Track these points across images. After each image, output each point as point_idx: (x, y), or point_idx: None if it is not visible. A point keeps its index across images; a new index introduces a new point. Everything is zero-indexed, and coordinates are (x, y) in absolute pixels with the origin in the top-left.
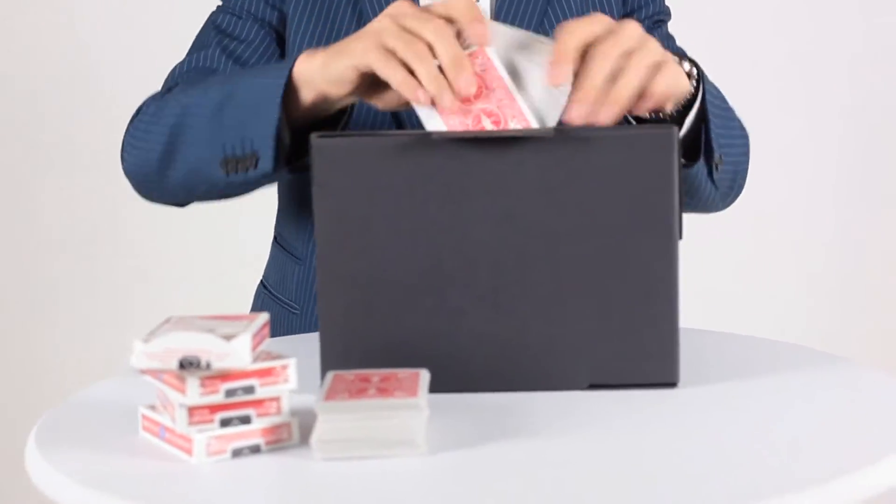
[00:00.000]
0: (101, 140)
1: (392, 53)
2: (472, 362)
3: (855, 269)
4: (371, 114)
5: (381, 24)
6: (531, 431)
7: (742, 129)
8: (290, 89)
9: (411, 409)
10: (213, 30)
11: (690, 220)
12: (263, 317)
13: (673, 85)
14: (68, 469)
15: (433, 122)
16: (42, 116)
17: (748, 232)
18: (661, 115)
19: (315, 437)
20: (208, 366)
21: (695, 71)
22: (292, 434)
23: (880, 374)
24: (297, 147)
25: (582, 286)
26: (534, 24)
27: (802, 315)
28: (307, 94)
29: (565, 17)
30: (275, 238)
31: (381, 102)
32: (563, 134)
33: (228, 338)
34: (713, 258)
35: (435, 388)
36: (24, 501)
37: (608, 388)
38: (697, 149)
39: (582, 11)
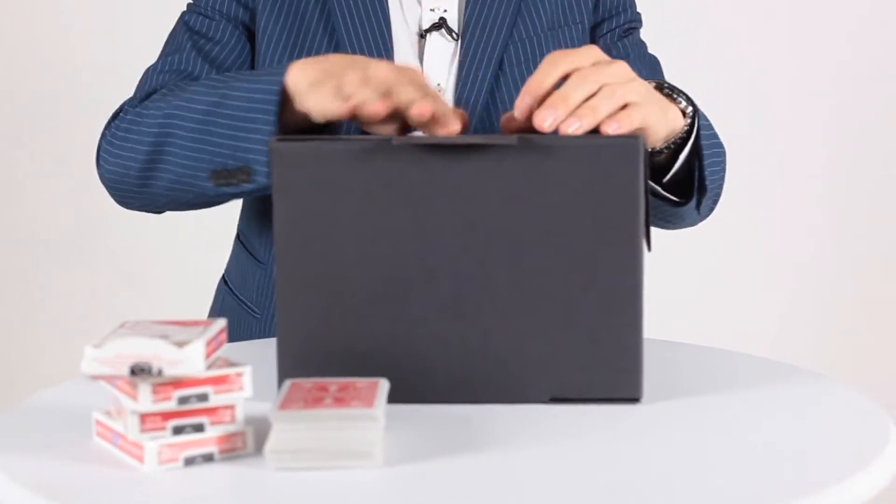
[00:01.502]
0: (72, 139)
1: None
2: (432, 372)
3: (833, 280)
4: None
5: (378, 68)
6: (490, 445)
7: (721, 146)
8: (283, 97)
9: (367, 420)
10: (186, 31)
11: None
12: (220, 323)
13: (653, 122)
14: (18, 474)
15: None
16: (21, 117)
17: (722, 240)
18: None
19: (269, 446)
20: (160, 372)
21: (690, 109)
22: (247, 443)
23: (844, 385)
24: None
25: (545, 297)
26: (506, 26)
27: (775, 327)
28: (299, 105)
29: (538, 18)
30: (237, 235)
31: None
32: (527, 142)
33: (181, 344)
34: (685, 267)
35: (394, 398)
36: None
37: (570, 402)
38: (690, 185)
39: (554, 13)
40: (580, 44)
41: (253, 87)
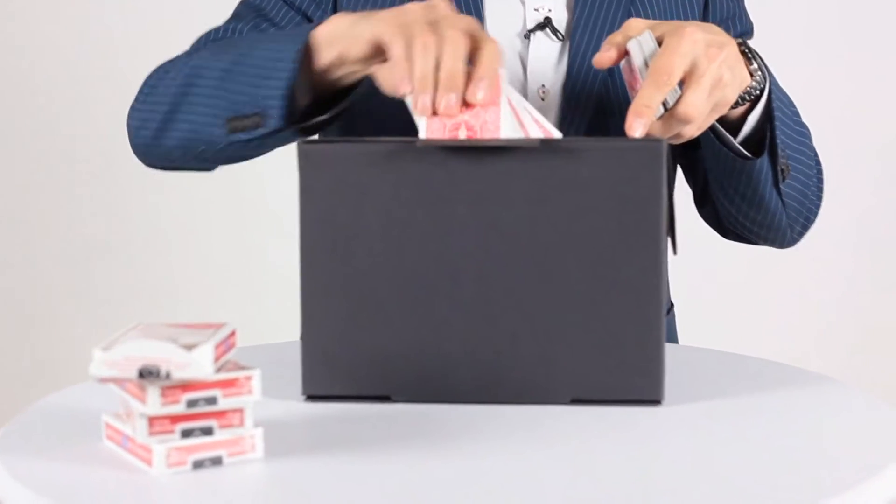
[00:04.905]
0: (107, 141)
1: (406, 35)
2: (455, 374)
3: (856, 285)
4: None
5: (413, 8)
6: (506, 445)
7: (815, 155)
8: (310, 52)
9: None
10: (253, 9)
11: (694, 233)
12: (229, 326)
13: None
14: (25, 477)
15: (418, 120)
16: (51, 119)
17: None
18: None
19: None
20: (168, 375)
21: (759, 74)
22: (255, 446)
23: (863, 393)
24: (311, 110)
25: (567, 299)
26: (617, 25)
27: (796, 333)
28: (327, 55)
29: (648, 17)
30: None
31: (381, 82)
32: (550, 145)
33: (190, 347)
34: (709, 272)
35: (416, 398)
36: None
37: (591, 404)
38: (761, 147)
39: (663, 12)
40: None
41: (279, 41)
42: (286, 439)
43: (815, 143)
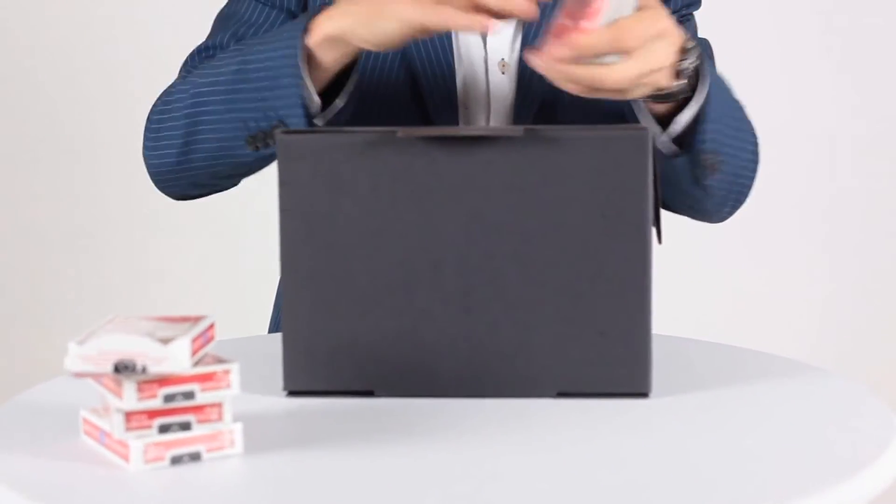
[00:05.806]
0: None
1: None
2: (438, 366)
3: (843, 274)
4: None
5: None
6: (492, 439)
7: (751, 129)
8: (312, 49)
9: None
10: (229, 18)
11: (683, 224)
12: (208, 319)
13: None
14: (2, 475)
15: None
16: (36, 115)
17: (732, 235)
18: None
19: None
20: (144, 370)
21: (689, 70)
22: (234, 442)
23: (854, 383)
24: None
25: (552, 290)
26: None
27: (784, 322)
28: (332, 54)
29: None
30: None
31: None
32: (534, 133)
33: (166, 341)
34: (694, 262)
35: (400, 392)
36: None
37: (577, 397)
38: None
39: None
40: None
41: (273, 45)
42: (266, 435)
43: (805, 131)
